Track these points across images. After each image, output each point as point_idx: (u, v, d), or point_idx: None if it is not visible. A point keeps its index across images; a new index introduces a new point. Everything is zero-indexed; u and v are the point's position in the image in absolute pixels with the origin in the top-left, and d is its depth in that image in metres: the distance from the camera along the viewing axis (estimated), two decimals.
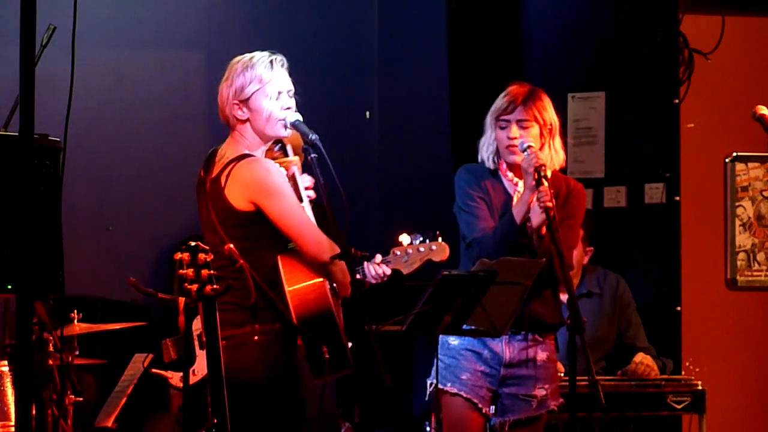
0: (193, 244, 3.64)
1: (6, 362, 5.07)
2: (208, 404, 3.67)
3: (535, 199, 4.54)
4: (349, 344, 4.14)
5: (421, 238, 4.53)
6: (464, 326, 4.43)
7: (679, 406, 5.81)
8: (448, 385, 4.67)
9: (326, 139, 4.17)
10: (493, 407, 4.71)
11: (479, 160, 4.84)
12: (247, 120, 4.20)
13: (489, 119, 4.80)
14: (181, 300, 3.97)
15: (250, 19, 7.19)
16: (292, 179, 4.29)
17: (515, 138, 4.71)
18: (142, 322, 5.71)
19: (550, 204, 4.46)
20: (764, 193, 4.46)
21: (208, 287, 3.62)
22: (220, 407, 3.62)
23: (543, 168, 4.54)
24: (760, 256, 4.45)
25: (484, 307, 4.36)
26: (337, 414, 6.03)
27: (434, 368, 4.58)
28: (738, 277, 4.45)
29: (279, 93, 4.21)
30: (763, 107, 4.27)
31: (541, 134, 4.71)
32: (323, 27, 7.33)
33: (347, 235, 4.12)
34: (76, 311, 5.40)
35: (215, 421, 3.63)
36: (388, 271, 4.42)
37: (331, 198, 4.09)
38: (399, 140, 7.37)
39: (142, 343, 5.83)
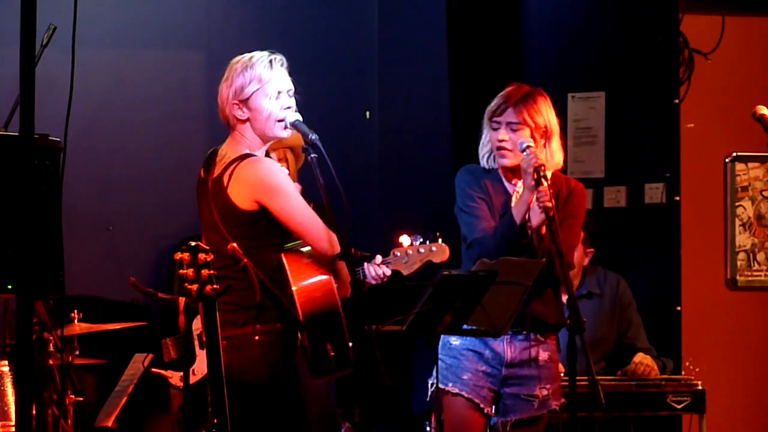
0: (193, 244, 3.65)
1: (6, 362, 5.08)
2: (208, 404, 3.67)
3: (534, 199, 4.53)
4: (350, 344, 4.14)
5: (422, 239, 4.52)
6: (464, 326, 4.43)
7: (679, 406, 5.81)
8: (450, 385, 4.67)
9: (326, 139, 4.17)
10: (494, 407, 4.71)
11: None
12: (247, 120, 4.20)
13: (484, 119, 4.79)
14: (181, 300, 3.98)
15: (250, 19, 7.18)
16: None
17: (504, 141, 4.67)
18: (142, 322, 5.71)
19: (549, 204, 4.44)
20: (764, 193, 4.46)
21: (208, 287, 3.62)
22: (220, 407, 3.62)
23: (542, 168, 4.52)
24: (760, 256, 4.45)
25: (484, 307, 4.35)
26: (337, 414, 6.02)
27: (435, 368, 4.58)
28: (738, 277, 4.45)
29: (279, 93, 4.20)
30: (763, 107, 4.27)
31: (533, 137, 4.65)
32: (323, 27, 7.32)
33: (347, 235, 4.12)
34: (76, 311, 5.40)
35: (215, 421, 3.63)
36: (388, 272, 4.42)
37: (331, 198, 4.09)
38: (399, 140, 7.37)
39: (142, 343, 5.82)
